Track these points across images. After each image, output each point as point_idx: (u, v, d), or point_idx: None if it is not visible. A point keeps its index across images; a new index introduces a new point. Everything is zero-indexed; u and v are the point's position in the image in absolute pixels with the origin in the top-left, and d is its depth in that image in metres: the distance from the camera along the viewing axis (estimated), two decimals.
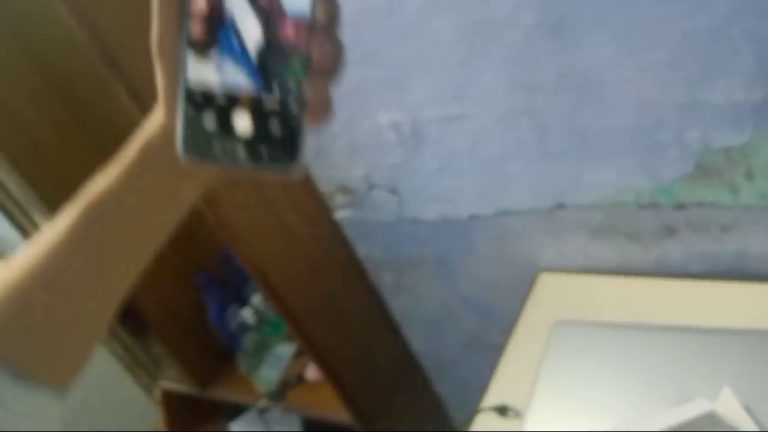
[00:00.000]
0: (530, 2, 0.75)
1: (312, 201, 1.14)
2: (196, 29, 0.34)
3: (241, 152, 0.35)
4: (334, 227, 1.17)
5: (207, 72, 0.35)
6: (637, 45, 0.72)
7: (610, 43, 0.73)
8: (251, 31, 0.34)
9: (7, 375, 0.41)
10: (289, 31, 0.34)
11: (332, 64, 0.36)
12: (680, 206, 0.82)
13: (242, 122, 0.35)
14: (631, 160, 0.82)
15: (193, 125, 0.35)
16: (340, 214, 1.15)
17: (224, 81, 0.35)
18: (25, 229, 1.49)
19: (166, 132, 0.38)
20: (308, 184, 1.13)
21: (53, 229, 0.42)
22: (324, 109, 0.36)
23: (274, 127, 0.35)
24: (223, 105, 0.35)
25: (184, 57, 0.35)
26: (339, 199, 1.14)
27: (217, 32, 0.34)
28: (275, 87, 0.35)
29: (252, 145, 0.35)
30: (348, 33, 0.88)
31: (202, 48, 0.35)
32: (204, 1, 0.34)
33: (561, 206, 0.91)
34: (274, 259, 1.07)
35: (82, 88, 1.26)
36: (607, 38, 0.73)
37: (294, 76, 0.34)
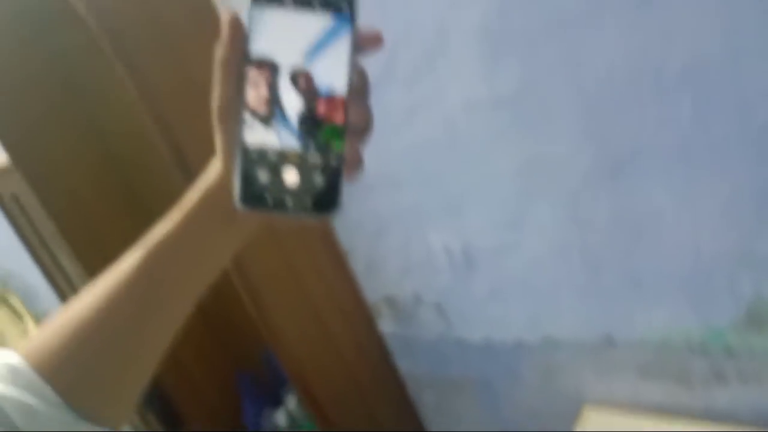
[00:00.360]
0: (590, 144, 0.78)
1: (358, 310, 1.15)
2: (260, 106, 0.42)
3: (289, 201, 0.42)
4: (378, 339, 1.17)
5: (261, 135, 0.42)
6: (693, 194, 0.74)
7: (667, 191, 0.75)
8: (295, 105, 0.42)
9: (65, 413, 0.45)
10: (322, 107, 0.42)
11: (363, 126, 0.43)
12: (730, 352, 0.81)
13: (290, 176, 0.42)
14: (683, 302, 0.82)
15: (247, 178, 0.42)
16: (385, 327, 1.16)
17: (275, 142, 0.42)
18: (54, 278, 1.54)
19: (223, 184, 0.45)
20: (356, 293, 1.15)
21: (117, 270, 0.47)
22: (356, 163, 0.43)
23: (317, 179, 0.42)
24: (275, 161, 0.42)
25: (241, 121, 0.42)
26: (385, 311, 1.15)
27: (272, 106, 0.42)
28: (317, 147, 0.42)
29: (298, 195, 0.42)
30: (409, 159, 0.93)
31: (263, 119, 0.42)
32: (265, 87, 0.42)
33: (610, 342, 0.90)
34: (314, 364, 1.07)
35: (128, 147, 1.33)
36: (664, 185, 0.75)
37: (331, 138, 0.42)
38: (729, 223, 0.74)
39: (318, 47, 0.42)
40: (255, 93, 0.42)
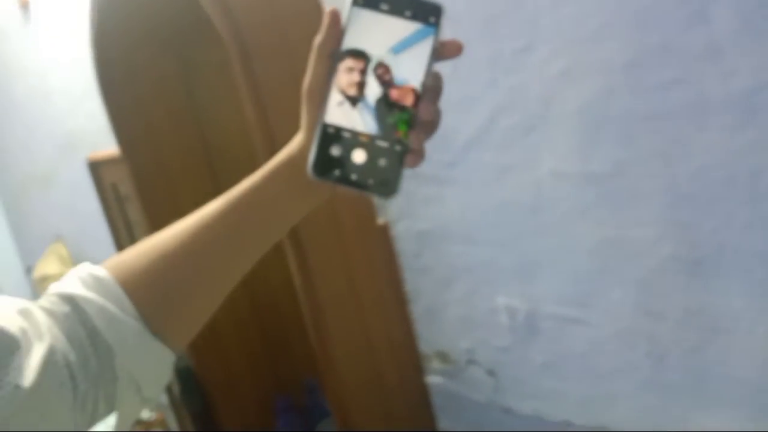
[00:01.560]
0: (673, 235, 0.78)
1: (410, 356, 1.16)
2: (349, 89, 0.48)
3: (354, 177, 0.47)
4: (424, 389, 1.18)
5: (343, 114, 0.48)
6: None
7: (745, 294, 0.74)
8: (375, 91, 0.48)
9: (139, 325, 0.51)
10: (395, 94, 0.48)
11: (430, 122, 0.48)
12: None
13: (359, 155, 0.47)
14: (744, 411, 0.79)
15: (322, 151, 0.47)
16: (433, 380, 1.17)
17: (352, 123, 0.47)
18: None
19: (303, 154, 0.50)
20: (411, 338, 1.16)
21: (203, 212, 0.55)
22: (418, 154, 0.48)
23: (381, 161, 0.47)
24: (348, 139, 0.47)
25: (326, 101, 0.48)
26: (436, 364, 1.15)
27: (359, 90, 0.48)
28: (386, 132, 0.47)
29: (363, 173, 0.47)
30: (491, 217, 0.95)
31: (350, 100, 0.48)
32: (357, 73, 0.48)
33: None
34: (358, 399, 1.09)
35: (234, 163, 1.41)
36: (743, 288, 0.74)
37: (400, 124, 0.47)
38: None
39: (402, 46, 0.48)
40: (347, 77, 0.48)
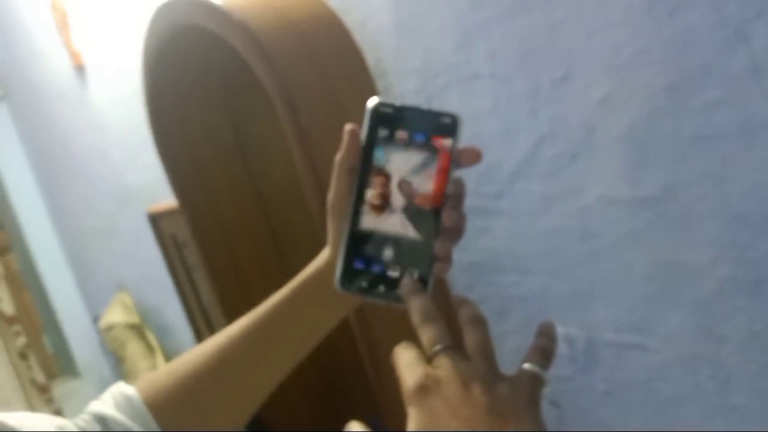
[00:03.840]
0: (730, 256, 0.77)
1: None
2: (375, 200, 0.49)
3: (382, 289, 0.47)
4: None
5: (366, 226, 0.49)
6: None
7: None
8: (398, 202, 0.49)
9: None
10: (418, 203, 0.48)
11: (456, 229, 0.49)
12: None
13: (387, 266, 0.48)
14: None
15: (348, 264, 0.48)
16: None
17: (379, 233, 0.48)
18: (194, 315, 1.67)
19: (330, 268, 0.51)
20: None
21: (231, 328, 0.57)
22: (446, 262, 0.48)
23: (410, 272, 0.48)
24: (375, 251, 0.48)
25: (349, 214, 0.49)
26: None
27: (382, 204, 0.49)
28: (413, 242, 0.48)
29: (391, 284, 0.47)
30: (541, 246, 0.96)
31: (376, 212, 0.49)
32: (380, 186, 0.49)
33: None
34: None
35: (283, 205, 1.45)
36: None
37: (426, 235, 0.48)
38: None
39: (422, 166, 0.49)
40: (371, 190, 0.49)
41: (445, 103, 0.98)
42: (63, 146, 2.61)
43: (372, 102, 0.51)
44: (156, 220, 1.71)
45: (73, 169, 2.62)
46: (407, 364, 0.45)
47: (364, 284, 0.48)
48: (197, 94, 1.35)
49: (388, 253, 0.48)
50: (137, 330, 2.55)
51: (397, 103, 0.51)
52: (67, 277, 3.16)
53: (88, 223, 2.71)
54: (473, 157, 0.51)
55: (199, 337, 1.73)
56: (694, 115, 0.75)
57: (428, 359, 0.46)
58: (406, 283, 0.48)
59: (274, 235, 1.45)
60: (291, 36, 0.95)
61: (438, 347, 0.45)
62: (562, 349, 0.99)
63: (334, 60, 0.98)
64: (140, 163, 2.01)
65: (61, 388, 3.15)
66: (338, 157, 0.51)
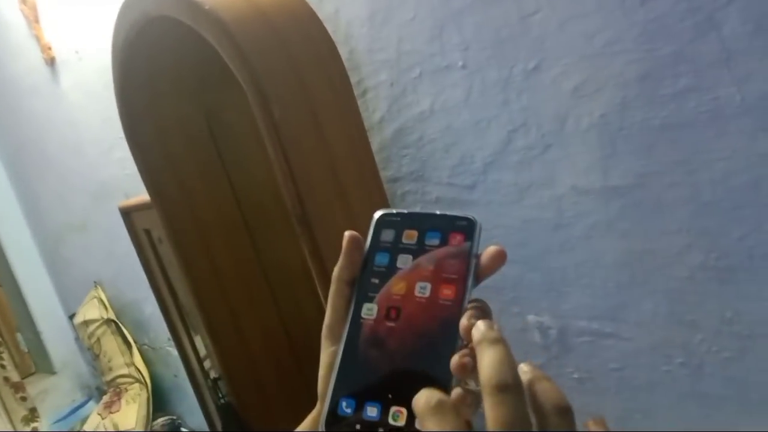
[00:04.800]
0: (700, 244, 0.77)
1: None
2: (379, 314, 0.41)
3: (393, 421, 0.37)
4: None
5: (370, 348, 0.40)
6: None
7: None
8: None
9: None
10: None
11: (467, 401, 0.39)
12: None
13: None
14: None
15: (337, 401, 0.38)
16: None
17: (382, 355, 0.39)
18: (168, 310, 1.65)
19: (319, 414, 0.41)
20: None
21: None
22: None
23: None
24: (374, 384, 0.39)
25: (343, 334, 0.41)
26: (471, 386, 1.15)
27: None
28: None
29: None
30: (514, 237, 0.95)
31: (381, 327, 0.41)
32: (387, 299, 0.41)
33: None
34: None
35: (259, 199, 1.43)
36: None
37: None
38: None
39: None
40: (374, 306, 0.41)
41: (419, 94, 0.98)
42: (36, 142, 2.56)
43: (378, 213, 0.45)
44: (128, 214, 1.69)
45: (47, 165, 2.58)
46: None
47: (358, 428, 0.38)
48: (169, 87, 1.33)
49: (389, 390, 0.38)
50: (113, 326, 2.52)
51: (405, 210, 0.44)
52: (42, 273, 3.12)
53: (62, 219, 2.67)
54: (499, 261, 0.42)
55: (175, 332, 1.71)
56: (666, 104, 0.75)
57: None
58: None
59: (248, 227, 1.44)
60: (262, 26, 0.94)
61: None
62: (535, 338, 0.99)
63: (306, 51, 0.97)
64: (115, 158, 1.98)
65: (36, 386, 3.11)
66: (336, 268, 0.44)
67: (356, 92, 1.06)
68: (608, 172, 0.82)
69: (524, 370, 0.38)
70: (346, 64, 1.05)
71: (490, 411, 0.34)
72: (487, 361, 0.36)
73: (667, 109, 0.75)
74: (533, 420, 0.35)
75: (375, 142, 1.07)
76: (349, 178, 0.99)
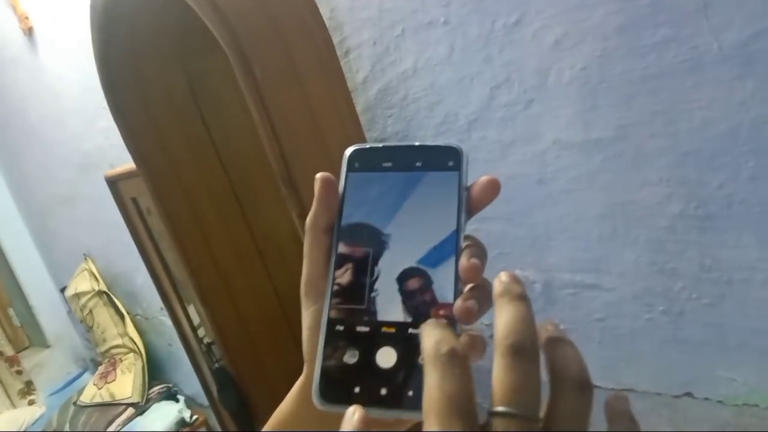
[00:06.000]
0: (680, 193, 0.79)
1: None
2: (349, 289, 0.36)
3: (383, 391, 0.33)
4: None
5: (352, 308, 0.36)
6: None
7: (758, 246, 0.75)
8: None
9: None
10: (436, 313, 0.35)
11: (477, 349, 0.37)
12: None
13: (383, 358, 0.34)
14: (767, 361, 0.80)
15: (327, 373, 0.34)
16: None
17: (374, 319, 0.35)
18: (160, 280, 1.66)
19: (310, 378, 0.37)
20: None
21: None
22: (478, 348, 0.37)
23: (415, 362, 0.34)
24: (365, 341, 0.34)
25: (329, 293, 0.36)
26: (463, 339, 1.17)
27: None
28: (418, 319, 0.35)
29: (393, 384, 0.33)
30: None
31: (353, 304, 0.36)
32: (351, 274, 0.36)
33: (688, 395, 0.89)
34: None
35: (245, 166, 1.43)
36: (756, 240, 0.75)
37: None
38: None
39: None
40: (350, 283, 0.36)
41: (402, 53, 0.97)
42: (18, 114, 2.54)
43: (350, 149, 0.40)
44: (114, 184, 1.68)
45: (30, 137, 2.56)
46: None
47: (356, 391, 0.33)
48: (151, 52, 1.32)
49: (384, 338, 0.34)
50: (105, 297, 2.53)
51: (379, 143, 0.40)
52: (31, 247, 3.11)
53: (49, 191, 2.66)
54: (492, 192, 0.38)
55: (167, 301, 1.72)
56: (645, 55, 0.75)
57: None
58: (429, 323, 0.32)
59: (236, 193, 1.44)
60: None
61: (503, 409, 0.29)
62: None
63: (286, 10, 0.96)
64: (99, 127, 1.96)
65: (31, 360, 3.13)
66: (310, 215, 0.39)
67: (339, 52, 1.06)
68: (590, 125, 0.83)
69: (547, 328, 0.34)
70: (328, 24, 1.04)
71: (500, 373, 0.30)
72: (507, 317, 0.31)
73: (647, 60, 0.76)
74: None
75: (359, 103, 1.07)
76: (335, 139, 0.99)
